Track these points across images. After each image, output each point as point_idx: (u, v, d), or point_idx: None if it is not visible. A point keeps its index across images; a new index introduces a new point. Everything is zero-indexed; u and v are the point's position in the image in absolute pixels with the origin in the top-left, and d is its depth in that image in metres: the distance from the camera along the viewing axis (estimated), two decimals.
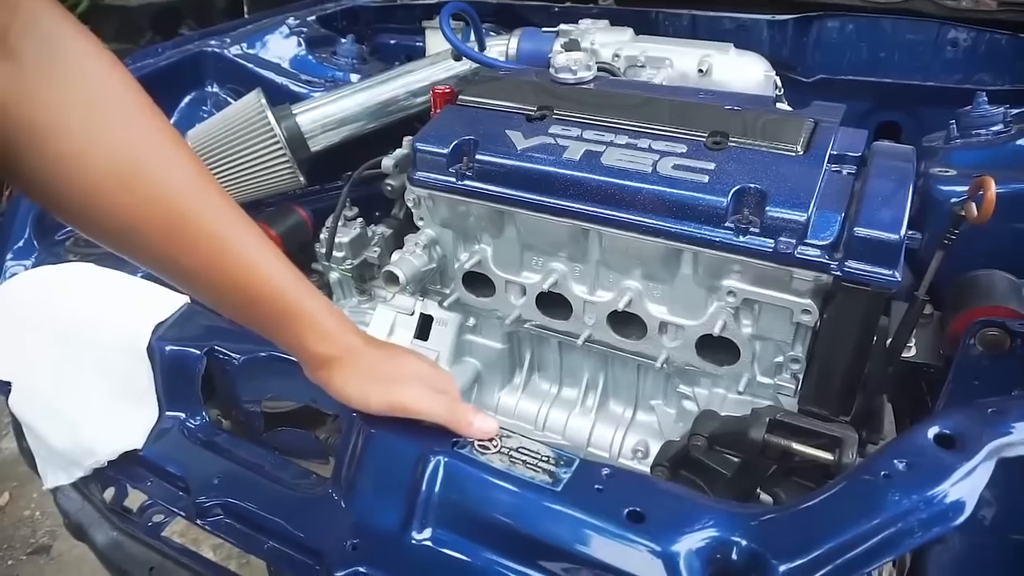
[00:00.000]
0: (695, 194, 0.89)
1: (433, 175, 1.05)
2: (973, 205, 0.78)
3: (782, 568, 0.58)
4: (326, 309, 0.69)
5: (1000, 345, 0.87)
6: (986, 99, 1.12)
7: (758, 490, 0.99)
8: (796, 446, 0.86)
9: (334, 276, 1.39)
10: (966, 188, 1.06)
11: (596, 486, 0.64)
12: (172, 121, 1.51)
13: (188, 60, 1.49)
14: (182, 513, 0.76)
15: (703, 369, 1.02)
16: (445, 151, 1.03)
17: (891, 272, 0.82)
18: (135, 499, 0.88)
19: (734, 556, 0.60)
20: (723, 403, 1.03)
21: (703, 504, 0.64)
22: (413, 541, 0.66)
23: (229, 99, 1.49)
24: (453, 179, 1.03)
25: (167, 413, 0.84)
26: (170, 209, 0.60)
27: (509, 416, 1.22)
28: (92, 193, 0.57)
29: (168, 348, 0.85)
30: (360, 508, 0.70)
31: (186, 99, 1.51)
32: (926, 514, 0.58)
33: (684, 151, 0.95)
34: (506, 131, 1.03)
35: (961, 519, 0.58)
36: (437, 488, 0.66)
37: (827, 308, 0.89)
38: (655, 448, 1.12)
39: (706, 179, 0.90)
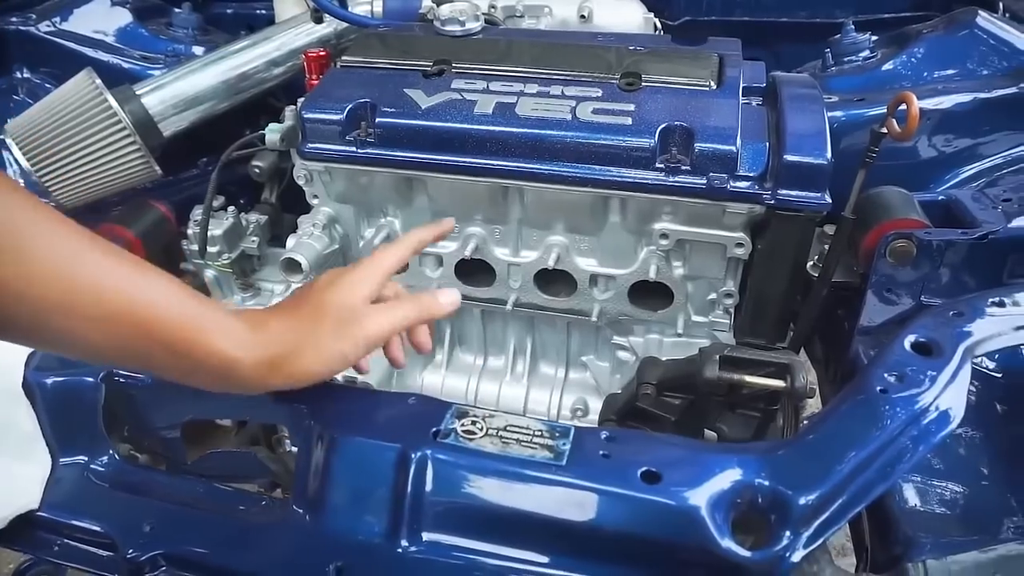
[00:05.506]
0: (621, 137, 0.86)
1: (328, 146, 0.94)
2: (894, 121, 0.80)
3: (801, 501, 0.57)
4: (219, 306, 0.60)
5: (908, 254, 0.92)
6: (853, 27, 1.18)
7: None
8: (748, 379, 0.87)
9: (210, 274, 1.24)
10: (847, 112, 1.13)
11: (601, 452, 0.60)
12: None
13: None
14: None
15: (637, 317, 1.00)
16: (339, 117, 0.92)
17: (820, 195, 0.84)
18: (6, 560, 0.73)
19: (753, 498, 0.58)
20: (660, 348, 1.02)
21: (713, 451, 0.61)
22: (409, 551, 0.59)
23: (48, 85, 1.27)
24: (353, 148, 0.93)
25: (62, 460, 0.70)
26: None
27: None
28: None
29: (50, 380, 0.70)
30: (337, 525, 0.61)
31: None
32: (927, 421, 0.59)
33: (599, 95, 0.91)
34: (404, 90, 0.94)
35: (956, 423, 0.60)
36: (428, 487, 0.59)
37: (758, 239, 0.90)
38: (593, 404, 1.10)
39: (629, 121, 0.87)
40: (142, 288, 0.54)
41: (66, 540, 0.67)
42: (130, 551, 0.62)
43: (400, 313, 0.67)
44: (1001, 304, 0.71)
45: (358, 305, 0.64)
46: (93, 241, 0.53)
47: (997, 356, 0.82)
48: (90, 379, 0.70)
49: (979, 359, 0.81)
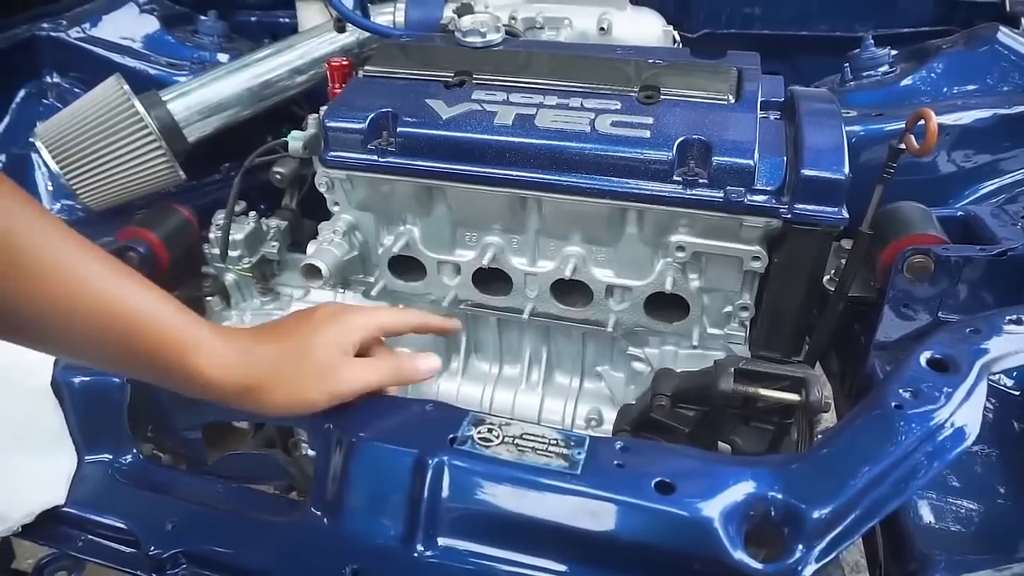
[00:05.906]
0: (639, 150, 0.87)
1: (350, 154, 0.96)
2: (912, 137, 0.80)
3: (815, 514, 0.58)
4: (206, 324, 0.61)
5: (926, 270, 0.92)
6: (873, 42, 1.18)
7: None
8: (763, 392, 0.87)
9: (230, 278, 1.26)
10: (865, 127, 1.13)
11: (615, 462, 0.61)
12: (7, 120, 1.31)
13: (17, 48, 1.28)
14: (135, 572, 0.64)
15: (653, 328, 1.01)
16: (361, 126, 0.94)
17: (837, 210, 0.84)
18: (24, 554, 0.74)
19: (766, 511, 0.59)
20: (675, 359, 1.03)
21: (727, 463, 0.62)
22: (425, 555, 0.60)
23: (77, 90, 1.30)
24: (374, 156, 0.94)
25: (87, 457, 0.71)
26: None
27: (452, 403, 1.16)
28: None
29: (78, 380, 0.71)
30: (354, 528, 0.62)
31: (20, 93, 1.30)
32: (942, 437, 0.59)
33: (618, 107, 0.92)
34: (426, 100, 0.96)
35: (971, 440, 0.60)
36: (444, 493, 0.60)
37: (775, 252, 0.90)
38: (608, 415, 1.11)
39: (648, 134, 0.88)
40: (134, 297, 0.56)
41: (90, 536, 0.68)
42: (152, 548, 0.63)
43: (379, 375, 0.69)
44: (1019, 322, 0.71)
45: (343, 353, 0.66)
46: (88, 248, 0.55)
47: (1015, 374, 0.82)
48: (116, 380, 0.72)
49: (997, 376, 0.81)
